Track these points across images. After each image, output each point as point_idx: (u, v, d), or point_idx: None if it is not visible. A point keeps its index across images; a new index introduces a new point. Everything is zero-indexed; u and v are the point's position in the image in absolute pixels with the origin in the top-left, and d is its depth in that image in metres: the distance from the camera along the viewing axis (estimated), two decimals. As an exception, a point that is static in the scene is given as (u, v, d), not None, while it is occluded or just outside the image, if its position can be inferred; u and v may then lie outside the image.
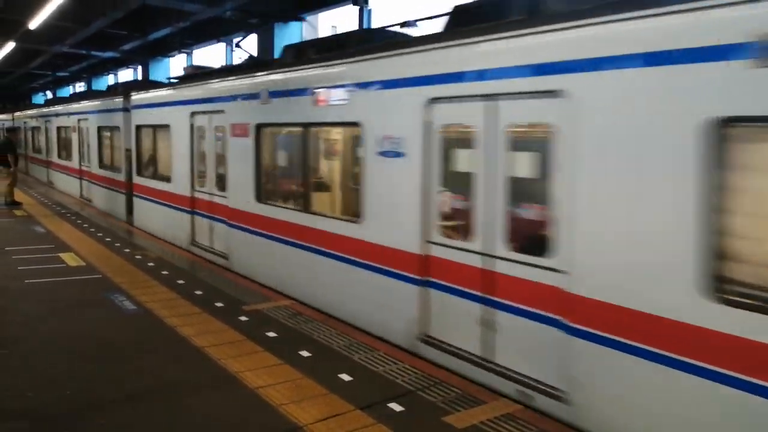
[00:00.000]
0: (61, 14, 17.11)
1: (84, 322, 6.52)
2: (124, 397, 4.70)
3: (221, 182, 9.49)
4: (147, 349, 5.77)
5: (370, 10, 13.91)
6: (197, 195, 10.33)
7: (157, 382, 5.01)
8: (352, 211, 7.00)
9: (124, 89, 14.09)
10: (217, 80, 9.67)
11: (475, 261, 5.21)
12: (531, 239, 4.91)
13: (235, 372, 5.18)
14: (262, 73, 8.42)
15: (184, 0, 15.78)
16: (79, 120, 17.36)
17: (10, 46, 22.28)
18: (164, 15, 18.53)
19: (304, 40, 14.35)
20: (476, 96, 5.10)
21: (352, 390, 4.87)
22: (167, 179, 11.43)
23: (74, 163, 18.34)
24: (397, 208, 5.96)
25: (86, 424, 4.30)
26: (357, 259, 6.50)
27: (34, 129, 24.92)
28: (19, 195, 16.85)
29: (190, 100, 10.42)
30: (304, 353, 5.66)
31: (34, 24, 17.30)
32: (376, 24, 13.99)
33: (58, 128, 20.29)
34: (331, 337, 6.12)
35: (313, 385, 4.96)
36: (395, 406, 4.59)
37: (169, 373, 5.21)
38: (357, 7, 13.97)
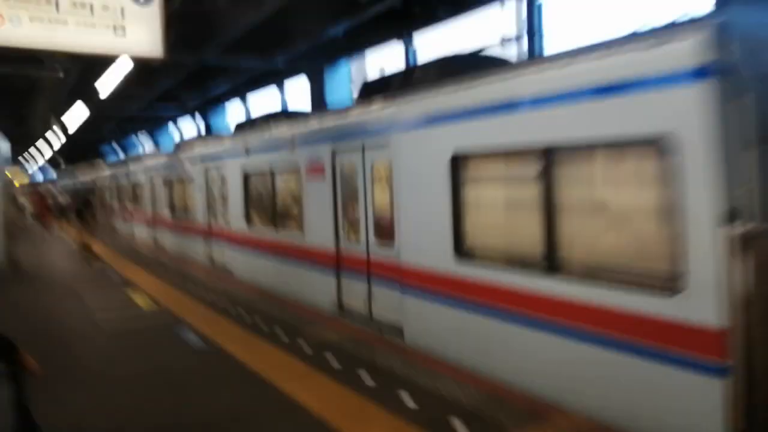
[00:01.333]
0: (126, 81, 18.42)
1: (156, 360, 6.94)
2: (201, 425, 5.02)
3: None
4: (217, 383, 6.07)
5: (415, 50, 14.36)
6: None
7: (230, 412, 5.30)
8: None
9: None
10: None
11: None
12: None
13: (301, 401, 5.40)
14: None
15: (239, 56, 16.74)
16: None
17: (85, 114, 23.92)
18: (222, 70, 19.65)
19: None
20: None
21: (416, 412, 5.01)
22: None
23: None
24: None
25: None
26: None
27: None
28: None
29: None
30: (368, 380, 5.84)
31: (104, 93, 18.62)
32: (421, 60, 14.42)
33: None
34: (393, 364, 6.25)
35: (376, 409, 5.13)
36: (460, 426, 4.70)
37: (241, 405, 5.50)
38: (403, 45, 14.45)
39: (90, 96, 20.03)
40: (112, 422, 5.23)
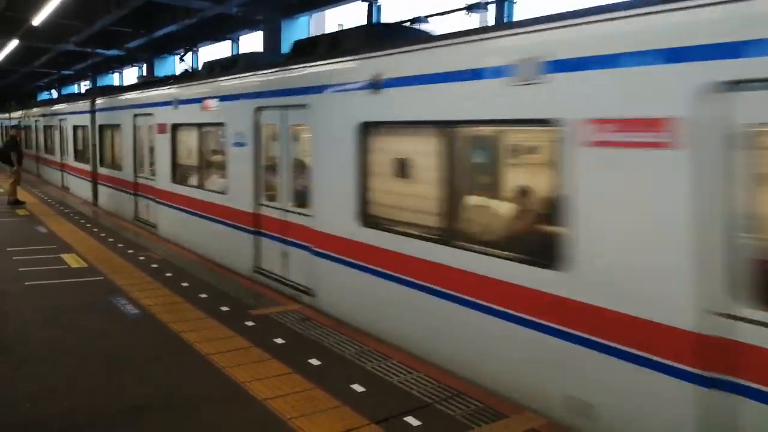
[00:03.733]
0: (65, 12, 16.92)
1: (85, 327, 6.29)
2: (126, 409, 4.45)
3: None
4: (150, 357, 5.52)
5: (380, 6, 13.63)
6: None
7: (160, 392, 4.76)
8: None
9: None
10: None
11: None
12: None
13: (242, 382, 4.92)
14: None
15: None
16: None
17: (14, 44, 22.08)
18: (170, 12, 18.33)
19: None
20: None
21: (366, 402, 4.61)
22: None
23: None
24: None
25: (85, 439, 4.07)
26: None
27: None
28: (23, 194, 16.66)
29: None
30: (314, 361, 5.40)
31: (37, 20, 17.10)
32: (384, 19, 13.72)
33: None
34: (341, 344, 5.85)
35: (324, 396, 4.70)
36: (412, 420, 4.33)
37: (173, 383, 4.95)
38: (366, 3, 13.69)
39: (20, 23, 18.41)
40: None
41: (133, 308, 6.88)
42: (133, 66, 29.83)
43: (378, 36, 7.35)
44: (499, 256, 4.95)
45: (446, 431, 4.20)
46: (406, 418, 4.35)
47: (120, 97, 14.35)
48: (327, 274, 7.00)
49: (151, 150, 12.29)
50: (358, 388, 4.86)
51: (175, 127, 11.08)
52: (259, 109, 8.26)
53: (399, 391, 4.81)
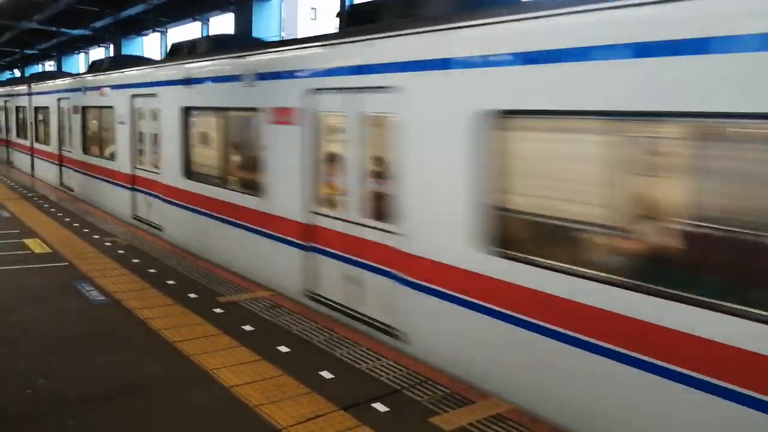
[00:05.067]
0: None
1: (50, 314, 6.18)
2: (92, 396, 4.41)
3: None
4: (116, 344, 5.45)
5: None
6: None
7: (127, 380, 4.71)
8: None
9: None
10: None
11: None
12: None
13: (210, 369, 4.90)
14: None
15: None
16: None
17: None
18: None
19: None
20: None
21: (335, 388, 4.64)
22: None
23: None
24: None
25: (51, 426, 4.01)
26: None
27: None
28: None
29: None
30: (283, 348, 5.41)
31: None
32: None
33: None
34: (310, 331, 5.86)
35: (292, 383, 4.71)
36: (380, 407, 4.37)
37: (140, 370, 4.91)
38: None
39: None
40: None
41: (99, 294, 6.78)
42: (99, 46, 29.12)
43: (216, 47, 9.59)
44: (238, 192, 8.08)
45: (413, 417, 4.26)
46: (373, 405, 4.39)
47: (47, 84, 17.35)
48: (168, 213, 9.90)
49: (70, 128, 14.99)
50: (326, 374, 4.88)
51: (85, 109, 13.86)
52: (134, 96, 11.00)
53: (367, 378, 4.85)
